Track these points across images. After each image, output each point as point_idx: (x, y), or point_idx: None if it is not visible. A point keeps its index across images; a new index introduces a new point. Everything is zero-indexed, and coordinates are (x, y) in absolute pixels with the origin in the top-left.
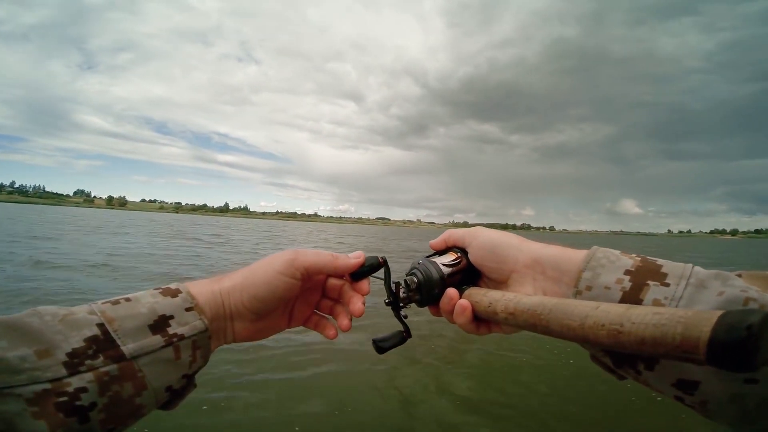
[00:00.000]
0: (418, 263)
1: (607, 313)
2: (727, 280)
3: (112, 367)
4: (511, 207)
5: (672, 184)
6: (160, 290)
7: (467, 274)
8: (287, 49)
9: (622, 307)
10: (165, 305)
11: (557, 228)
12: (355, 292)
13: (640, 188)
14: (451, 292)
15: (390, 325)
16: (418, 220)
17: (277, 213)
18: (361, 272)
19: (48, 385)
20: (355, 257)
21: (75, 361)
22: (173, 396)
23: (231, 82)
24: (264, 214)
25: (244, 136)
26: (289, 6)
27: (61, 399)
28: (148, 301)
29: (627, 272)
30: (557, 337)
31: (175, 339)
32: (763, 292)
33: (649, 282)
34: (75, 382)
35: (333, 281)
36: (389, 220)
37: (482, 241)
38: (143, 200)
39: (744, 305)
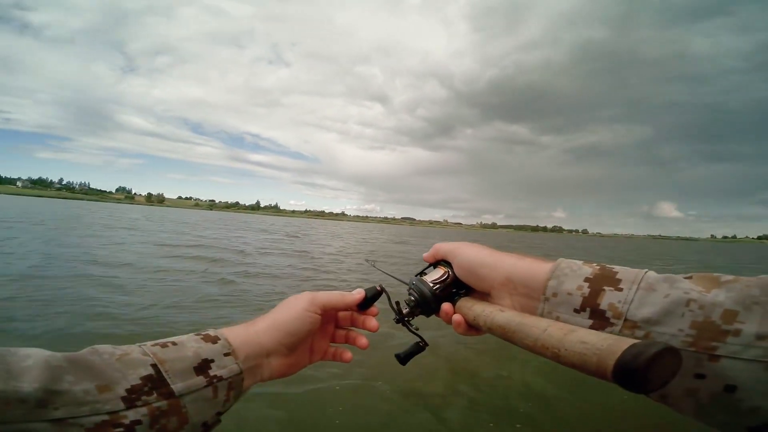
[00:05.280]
0: (412, 284)
1: (550, 337)
2: (674, 283)
3: (163, 403)
4: (541, 209)
5: (713, 186)
6: (201, 336)
7: (457, 285)
8: (316, 53)
9: (562, 332)
10: (207, 350)
11: (591, 231)
12: (364, 318)
13: (679, 191)
14: (446, 307)
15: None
16: (445, 221)
17: (306, 211)
18: (365, 303)
19: (107, 417)
20: (357, 293)
21: (133, 397)
22: (205, 430)
23: (263, 85)
24: (293, 212)
25: (274, 137)
26: (317, 10)
27: (118, 429)
28: (192, 346)
29: (586, 279)
30: (524, 349)
31: (215, 380)
32: (704, 293)
33: (605, 288)
34: (131, 415)
35: (343, 313)
36: (415, 220)
37: (461, 261)
38: (179, 197)
39: (686, 306)
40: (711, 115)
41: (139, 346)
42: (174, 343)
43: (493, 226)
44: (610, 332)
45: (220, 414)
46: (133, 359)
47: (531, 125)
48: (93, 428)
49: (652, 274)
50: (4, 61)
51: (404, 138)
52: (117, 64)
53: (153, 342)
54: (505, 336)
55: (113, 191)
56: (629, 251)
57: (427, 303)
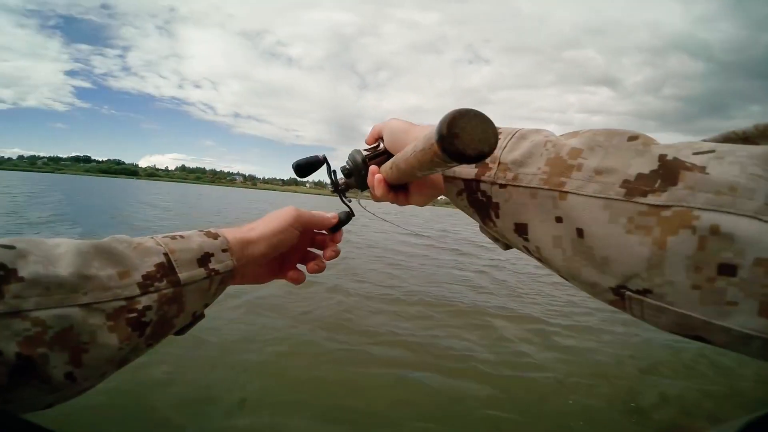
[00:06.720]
0: (349, 155)
1: (414, 145)
2: (542, 132)
3: (170, 290)
4: None
5: None
6: (204, 232)
7: (387, 155)
8: (513, 46)
9: (415, 141)
10: (209, 244)
11: None
12: (330, 241)
13: None
14: (372, 168)
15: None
16: None
17: None
18: (336, 226)
19: (124, 302)
20: (332, 216)
21: (147, 283)
22: (192, 322)
23: (469, 85)
24: None
25: None
26: (498, 5)
27: (132, 315)
28: (196, 239)
29: None
30: (410, 179)
31: (212, 273)
32: (565, 139)
33: None
34: (144, 300)
35: (315, 233)
36: None
37: (387, 130)
38: None
39: (543, 147)
40: None
41: (152, 237)
42: (182, 236)
43: None
44: (489, 175)
45: (206, 306)
46: (147, 248)
47: None
48: (112, 313)
49: (527, 128)
50: (286, 90)
51: (651, 123)
52: (354, 83)
53: (163, 234)
54: (400, 173)
55: None
56: None
57: (359, 169)
